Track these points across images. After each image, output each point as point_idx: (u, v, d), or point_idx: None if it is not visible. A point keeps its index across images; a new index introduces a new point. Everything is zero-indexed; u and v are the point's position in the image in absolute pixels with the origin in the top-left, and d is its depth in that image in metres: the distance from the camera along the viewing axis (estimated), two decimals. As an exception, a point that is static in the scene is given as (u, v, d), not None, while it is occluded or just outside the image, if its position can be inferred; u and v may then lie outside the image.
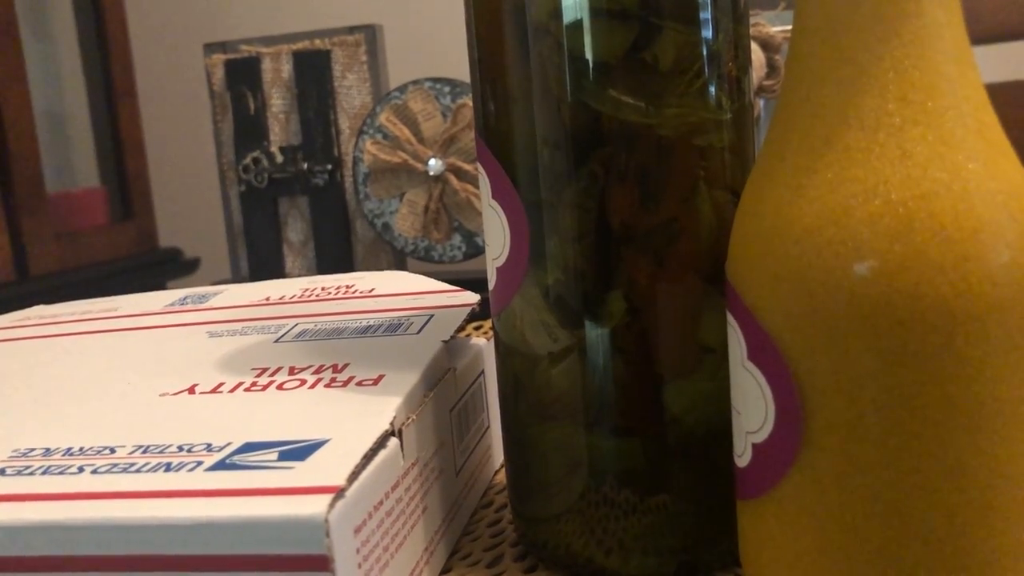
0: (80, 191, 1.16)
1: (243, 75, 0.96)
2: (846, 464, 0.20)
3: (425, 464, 0.28)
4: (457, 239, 0.88)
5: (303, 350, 0.32)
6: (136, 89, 1.20)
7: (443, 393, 0.30)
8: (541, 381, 0.28)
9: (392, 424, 0.26)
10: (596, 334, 0.26)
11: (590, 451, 0.27)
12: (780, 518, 0.22)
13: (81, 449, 0.25)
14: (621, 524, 0.27)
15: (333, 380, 0.29)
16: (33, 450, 0.26)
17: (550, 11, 0.25)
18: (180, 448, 0.25)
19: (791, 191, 0.21)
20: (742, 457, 0.23)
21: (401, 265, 0.94)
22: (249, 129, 0.96)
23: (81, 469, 0.24)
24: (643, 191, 0.25)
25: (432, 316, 0.34)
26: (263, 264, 0.98)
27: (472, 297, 0.37)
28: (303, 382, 0.29)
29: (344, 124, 0.95)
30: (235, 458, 0.24)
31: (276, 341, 0.34)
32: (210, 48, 0.98)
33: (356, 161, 0.90)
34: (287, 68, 0.95)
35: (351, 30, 0.94)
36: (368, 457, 0.24)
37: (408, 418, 0.27)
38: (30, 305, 0.48)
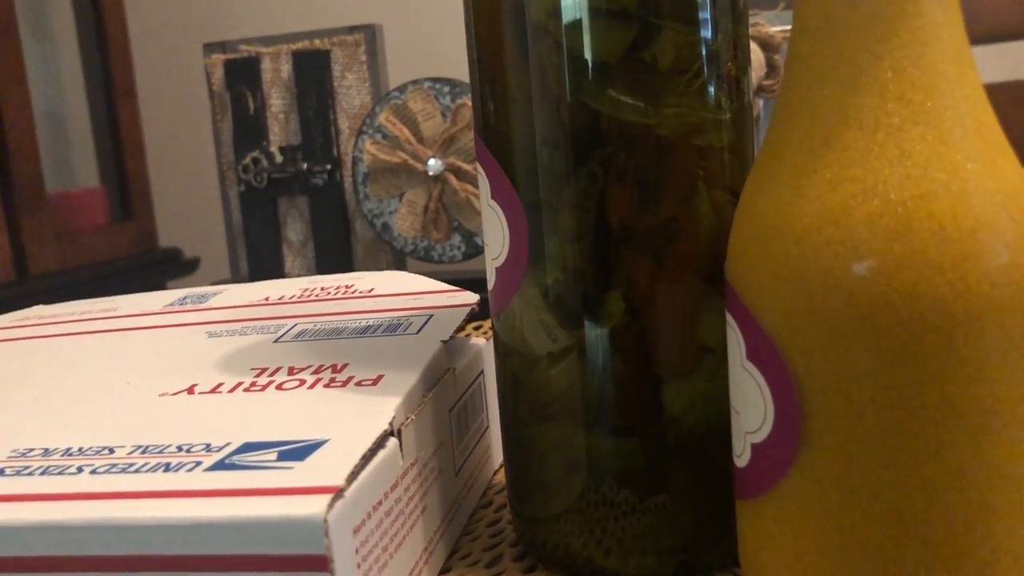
0: (80, 191, 1.16)
1: (243, 75, 0.96)
2: (845, 464, 0.20)
3: (424, 464, 0.28)
4: (456, 239, 0.88)
5: (302, 350, 0.32)
6: (136, 89, 1.20)
7: (442, 393, 0.30)
8: (540, 381, 0.28)
9: (391, 424, 0.26)
10: (595, 334, 0.26)
11: (589, 451, 0.27)
12: (779, 518, 0.22)
13: (80, 449, 0.25)
14: (620, 524, 0.27)
15: (332, 380, 0.29)
16: (32, 450, 0.26)
17: (549, 11, 0.25)
18: (179, 448, 0.25)
19: (790, 191, 0.21)
20: (741, 457, 0.23)
21: (400, 265, 0.94)
22: (249, 129, 0.96)
23: (80, 469, 0.24)
24: (642, 191, 0.25)
25: (431, 316, 0.34)
26: (262, 264, 0.98)
27: (471, 297, 0.37)
28: (302, 382, 0.29)
29: (344, 124, 0.95)
30: (234, 458, 0.24)
31: (275, 341, 0.34)
32: (210, 48, 0.98)
33: (356, 161, 0.90)
34: (287, 68, 0.95)
35: (351, 30, 0.94)
36: (367, 457, 0.24)
37: (407, 418, 0.27)
38: (30, 305, 0.48)
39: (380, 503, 0.24)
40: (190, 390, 0.30)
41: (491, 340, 0.33)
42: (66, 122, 1.21)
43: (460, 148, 0.87)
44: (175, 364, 0.33)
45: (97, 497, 0.23)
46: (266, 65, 0.96)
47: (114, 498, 0.22)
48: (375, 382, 0.28)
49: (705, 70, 0.25)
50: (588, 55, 0.25)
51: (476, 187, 0.86)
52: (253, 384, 0.29)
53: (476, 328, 0.55)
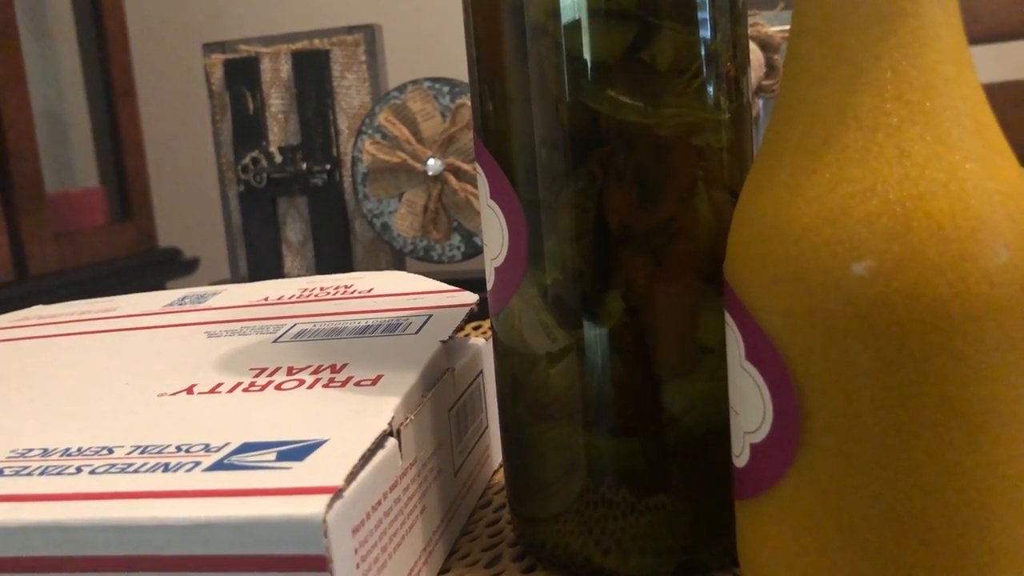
0: (79, 191, 1.16)
1: (242, 75, 0.96)
2: (844, 464, 0.20)
3: (423, 464, 0.28)
4: (456, 239, 0.88)
5: (302, 350, 0.32)
6: (135, 89, 1.20)
7: (441, 393, 0.30)
8: (539, 381, 0.28)
9: (390, 424, 0.26)
10: (594, 334, 0.26)
11: (588, 451, 0.27)
12: (778, 518, 0.22)
13: (79, 449, 0.25)
14: (619, 524, 0.27)
15: (331, 380, 0.29)
16: (31, 450, 0.26)
17: (548, 11, 0.25)
18: (178, 448, 0.25)
19: (789, 191, 0.21)
20: (740, 457, 0.23)
21: (400, 265, 0.94)
22: (248, 129, 0.96)
23: (79, 469, 0.24)
24: (641, 191, 0.25)
25: (431, 316, 0.34)
26: (262, 264, 0.98)
27: (471, 297, 0.37)
28: (301, 382, 0.29)
29: (343, 124, 0.95)
30: (233, 458, 0.24)
31: (275, 341, 0.34)
32: (209, 48, 0.98)
33: (355, 161, 0.90)
34: (286, 68, 0.95)
35: (350, 30, 0.94)
36: (366, 457, 0.24)
37: (406, 418, 0.27)
38: (29, 305, 0.48)
39: (379, 503, 0.24)
40: (189, 390, 0.30)
41: (490, 340, 0.33)
42: (66, 122, 1.21)
43: (459, 148, 0.87)
44: (174, 364, 0.33)
45: (96, 497, 0.23)
46: (265, 65, 0.96)
47: (113, 498, 0.22)
48: (374, 382, 0.28)
49: (704, 70, 0.25)
50: (587, 55, 0.25)
51: (475, 187, 0.86)
52: (252, 384, 0.29)
53: (475, 328, 0.55)
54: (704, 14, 0.25)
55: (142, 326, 0.39)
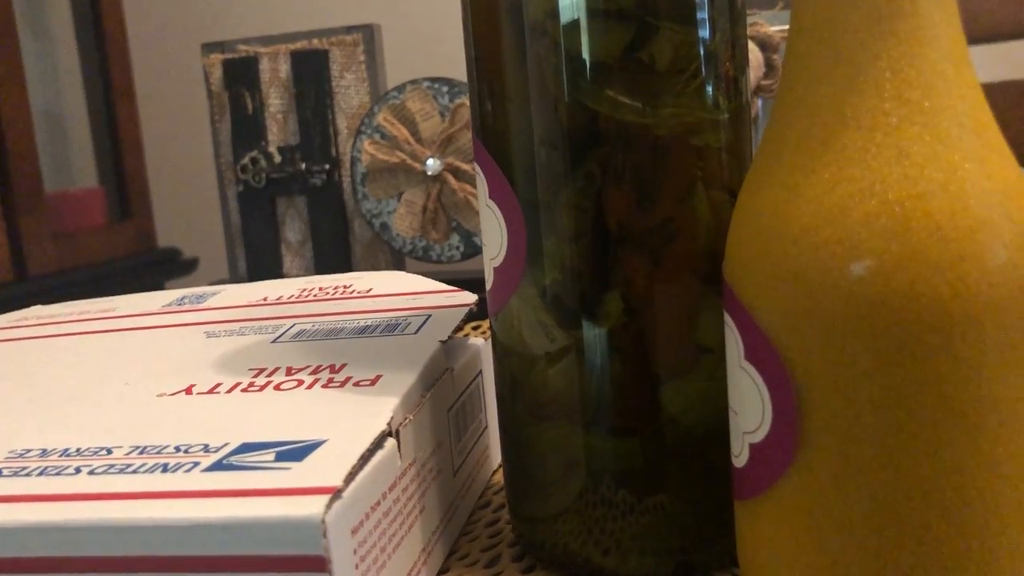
0: (78, 191, 1.16)
1: (241, 75, 0.96)
2: (843, 464, 0.20)
3: (423, 464, 0.28)
4: (455, 239, 0.88)
5: (301, 350, 0.32)
6: (134, 89, 1.19)
7: (441, 393, 0.30)
8: (538, 381, 0.27)
9: (389, 424, 0.26)
10: (593, 334, 0.26)
11: (587, 451, 0.27)
12: (777, 518, 0.22)
13: (78, 450, 0.25)
14: (619, 524, 0.27)
15: (330, 380, 0.29)
16: (30, 451, 0.26)
17: (547, 11, 0.25)
18: (177, 449, 0.25)
19: (788, 191, 0.21)
20: (739, 457, 0.23)
21: (399, 265, 0.94)
22: (247, 129, 0.96)
23: (78, 470, 0.24)
24: (640, 191, 0.25)
25: (430, 316, 0.34)
26: (261, 264, 0.98)
27: (470, 297, 0.37)
28: (300, 382, 0.29)
29: (342, 124, 0.94)
30: (232, 459, 0.24)
31: (274, 341, 0.34)
32: (208, 48, 0.98)
33: (354, 161, 0.90)
34: (285, 68, 0.95)
35: (349, 30, 0.94)
36: (365, 458, 0.24)
37: (405, 418, 0.27)
38: (28, 305, 0.48)
39: (378, 503, 0.24)
40: (188, 390, 0.30)
41: (489, 340, 0.33)
42: (64, 122, 1.21)
43: (458, 148, 0.86)
44: (173, 364, 0.33)
45: (95, 498, 0.23)
46: (264, 65, 0.96)
47: (112, 499, 0.22)
48: (373, 382, 0.28)
49: (703, 70, 0.25)
50: (586, 55, 0.25)
51: (474, 187, 0.86)
52: (251, 384, 0.29)
53: (474, 328, 0.55)
54: (703, 14, 0.25)
55: (141, 326, 0.39)
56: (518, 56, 0.26)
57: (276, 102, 0.96)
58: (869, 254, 0.19)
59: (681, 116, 0.25)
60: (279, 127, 0.96)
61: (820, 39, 0.21)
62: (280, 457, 0.24)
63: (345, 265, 0.96)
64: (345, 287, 0.41)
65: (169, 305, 0.43)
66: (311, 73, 0.94)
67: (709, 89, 0.26)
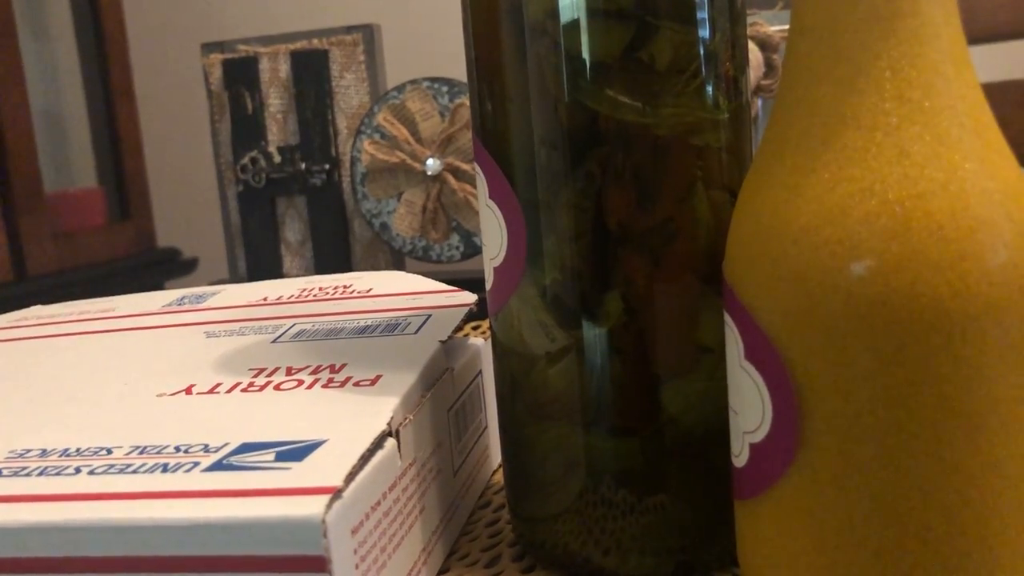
0: (78, 191, 1.16)
1: (241, 75, 0.96)
2: (843, 464, 0.20)
3: (423, 464, 0.28)
4: (455, 239, 0.88)
5: (301, 350, 0.32)
6: (134, 89, 1.19)
7: (441, 393, 0.30)
8: (538, 381, 0.27)
9: (389, 424, 0.26)
10: (593, 334, 0.26)
11: (588, 451, 0.27)
12: (777, 518, 0.22)
13: (78, 450, 0.25)
14: (619, 524, 0.27)
15: (330, 380, 0.29)
16: (30, 451, 0.26)
17: (547, 11, 0.25)
18: (177, 449, 0.25)
19: (788, 191, 0.21)
20: (739, 457, 0.23)
21: (399, 265, 0.94)
22: (247, 129, 0.96)
23: (78, 470, 0.24)
24: (640, 191, 0.25)
25: (430, 316, 0.34)
26: (261, 264, 0.98)
27: (470, 297, 0.37)
28: (300, 382, 0.29)
29: (342, 124, 0.94)
30: (232, 459, 0.24)
31: (274, 341, 0.34)
32: (208, 48, 0.98)
33: (354, 161, 0.90)
34: (285, 68, 0.95)
35: (349, 30, 0.94)
36: (365, 458, 0.24)
37: (405, 418, 0.27)
38: (28, 305, 0.48)
39: (378, 503, 0.24)
40: (188, 390, 0.30)
41: (489, 340, 0.33)
42: (64, 122, 1.21)
43: (458, 148, 0.86)
44: (173, 364, 0.33)
45: (95, 498, 0.23)
46: (264, 65, 0.95)
47: (112, 499, 0.22)
48: (373, 382, 0.28)
49: (703, 70, 0.25)
50: (586, 55, 0.25)
51: (474, 187, 0.86)
52: (251, 384, 0.29)
53: (474, 328, 0.55)
54: (703, 14, 0.25)
55: (141, 326, 0.39)
56: (518, 56, 0.26)
57: (276, 102, 0.96)
58: (869, 254, 0.19)
59: (681, 116, 0.25)
60: (279, 127, 0.96)
61: (820, 39, 0.21)
62: (280, 457, 0.24)
63: (345, 265, 0.96)
64: (345, 287, 0.41)
65: (169, 305, 0.43)
66: (311, 73, 0.94)
67: (709, 89, 0.26)
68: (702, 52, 0.25)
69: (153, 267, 1.16)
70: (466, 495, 0.33)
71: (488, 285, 0.29)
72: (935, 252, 0.19)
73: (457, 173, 0.87)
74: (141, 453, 0.25)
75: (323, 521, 0.21)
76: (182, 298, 0.44)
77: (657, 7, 0.25)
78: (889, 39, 0.20)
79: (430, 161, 0.86)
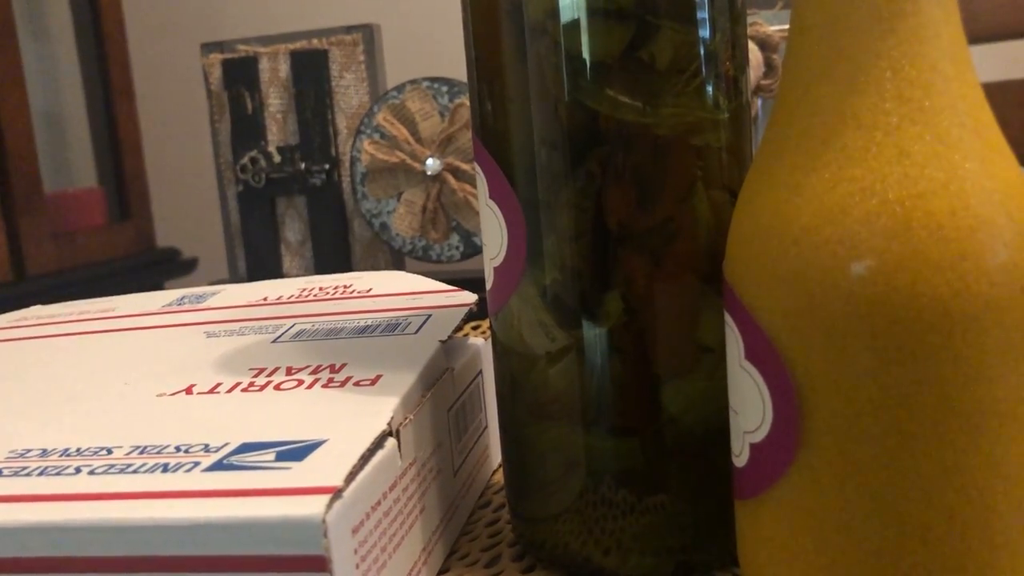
0: (77, 191, 1.16)
1: (240, 75, 0.96)
2: (844, 464, 0.20)
3: (423, 464, 0.28)
4: (455, 239, 0.88)
5: (301, 350, 0.32)
6: (133, 89, 1.19)
7: (441, 393, 0.30)
8: (538, 381, 0.27)
9: (390, 424, 0.26)
10: (593, 334, 0.26)
11: (588, 451, 0.27)
12: (778, 518, 0.22)
13: (78, 450, 0.25)
14: (619, 524, 0.27)
15: (331, 380, 0.29)
16: (30, 451, 0.26)
17: (547, 10, 0.25)
18: (177, 449, 0.25)
19: (789, 190, 0.21)
20: (740, 457, 0.23)
21: (399, 265, 0.94)
22: (247, 129, 0.96)
23: (78, 470, 0.24)
24: (640, 191, 0.25)
25: (430, 316, 0.34)
26: (261, 264, 0.98)
27: (470, 297, 0.37)
28: (301, 382, 0.29)
29: (342, 124, 0.94)
30: (232, 459, 0.24)
31: (274, 341, 0.34)
32: (207, 48, 0.98)
33: (354, 161, 0.90)
34: (284, 68, 0.95)
35: (348, 30, 0.94)
36: (366, 457, 0.24)
37: (406, 418, 0.27)
38: (27, 305, 0.48)
39: (379, 503, 0.24)
40: (188, 390, 0.30)
41: (489, 340, 0.33)
42: (64, 122, 1.21)
43: (458, 148, 0.86)
44: (173, 364, 0.33)
45: (95, 498, 0.23)
46: (264, 65, 0.95)
47: (112, 499, 0.22)
48: (373, 382, 0.28)
49: (703, 69, 0.25)
50: (586, 54, 0.25)
51: (474, 187, 0.86)
52: (251, 384, 0.29)
53: (474, 328, 0.55)
54: (703, 13, 0.25)
55: (141, 326, 0.39)
56: (518, 56, 0.26)
57: (276, 102, 0.96)
58: (870, 253, 0.19)
59: (681, 116, 0.25)
60: (279, 127, 0.96)
61: (821, 38, 0.21)
62: (280, 457, 0.24)
63: (345, 265, 0.96)
64: (345, 287, 0.41)
65: (169, 305, 0.43)
66: (311, 73, 0.94)
67: (709, 89, 0.26)
68: (702, 52, 0.25)
69: (153, 267, 1.16)
70: (466, 495, 0.33)
71: (488, 285, 0.29)
72: (935, 252, 0.19)
73: (457, 173, 0.87)
74: (141, 453, 0.25)
75: (324, 521, 0.21)
76: (182, 298, 0.44)
77: (657, 7, 0.25)
78: (889, 38, 0.20)
79: (430, 161, 0.86)
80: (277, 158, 0.95)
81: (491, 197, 0.28)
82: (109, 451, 0.25)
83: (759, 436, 0.22)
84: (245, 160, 0.96)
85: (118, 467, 0.24)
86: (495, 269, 0.28)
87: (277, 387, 0.29)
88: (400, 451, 0.26)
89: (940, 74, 0.20)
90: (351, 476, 0.23)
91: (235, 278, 1.00)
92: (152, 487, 0.23)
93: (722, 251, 0.24)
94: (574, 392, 0.27)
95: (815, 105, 0.21)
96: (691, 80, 0.25)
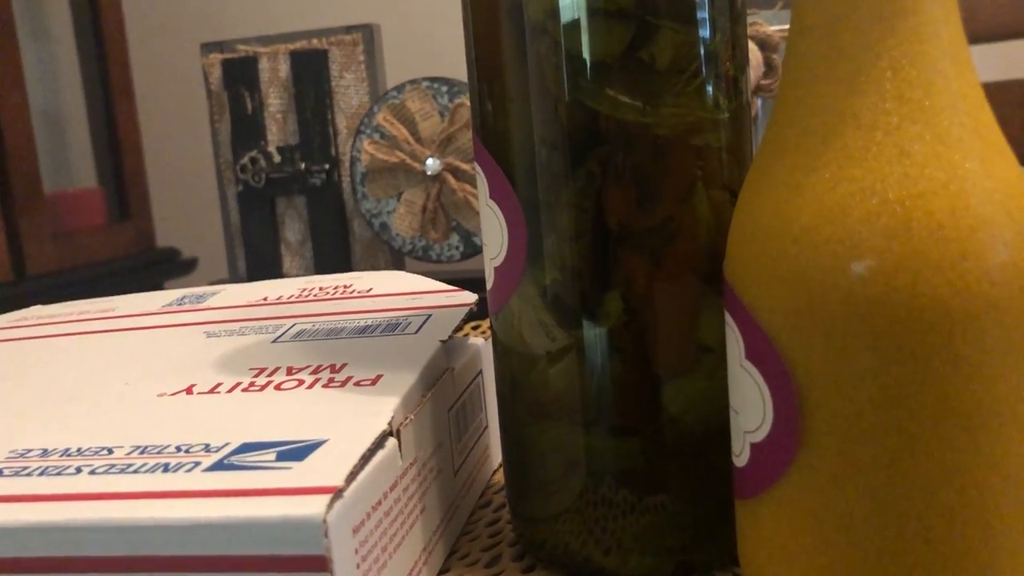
0: (77, 191, 1.16)
1: (240, 75, 0.96)
2: (844, 464, 0.20)
3: (423, 464, 0.28)
4: (455, 239, 0.88)
5: (301, 350, 0.32)
6: (133, 89, 1.19)
7: (441, 393, 0.30)
8: (539, 381, 0.27)
9: (390, 424, 0.26)
10: (594, 334, 0.26)
11: (588, 451, 0.27)
12: (778, 517, 0.22)
13: (79, 450, 0.25)
14: (619, 524, 0.27)
15: (331, 380, 0.29)
16: (31, 451, 0.26)
17: (547, 10, 0.25)
18: (178, 449, 0.25)
19: (789, 190, 0.21)
20: (740, 457, 0.23)
21: (399, 265, 0.94)
22: (246, 129, 0.96)
23: (79, 470, 0.24)
24: (640, 191, 0.25)
25: (430, 316, 0.34)
26: (261, 264, 0.98)
27: (470, 297, 0.37)
28: (301, 382, 0.29)
29: (341, 124, 0.94)
30: (233, 458, 0.24)
31: (274, 341, 0.34)
32: (207, 48, 0.98)
33: (353, 161, 0.90)
34: (284, 68, 0.95)
35: (348, 29, 0.94)
36: (366, 457, 0.24)
37: (406, 418, 0.27)
38: (27, 305, 0.48)
39: (379, 503, 0.24)
40: (189, 390, 0.30)
41: (489, 340, 0.33)
42: (64, 122, 1.21)
43: (458, 148, 0.86)
44: (173, 364, 0.33)
45: (96, 498, 0.23)
46: (264, 65, 0.95)
47: (113, 499, 0.22)
48: (374, 382, 0.28)
49: (703, 69, 0.25)
50: (586, 54, 0.25)
51: (474, 187, 0.86)
52: (252, 384, 0.29)
53: (474, 328, 0.55)
54: (703, 13, 0.25)
55: (141, 326, 0.39)
56: (518, 56, 0.26)
57: (275, 102, 0.96)
58: (870, 253, 0.19)
59: (681, 116, 0.25)
60: (278, 127, 0.96)
61: (821, 38, 0.21)
62: (281, 457, 0.24)
63: (345, 265, 0.96)
64: (345, 287, 0.41)
65: (169, 305, 0.43)
66: (310, 73, 0.94)
67: (709, 89, 0.26)
68: (702, 52, 0.25)
69: (153, 267, 1.16)
70: (467, 495, 0.33)
71: (488, 285, 0.29)
72: (936, 251, 0.19)
73: (457, 173, 0.87)
74: (142, 453, 0.25)
75: (324, 521, 0.21)
76: (182, 298, 0.44)
77: (657, 7, 0.25)
78: (890, 38, 0.20)
79: (430, 161, 0.86)
80: (277, 158, 0.95)
81: (491, 197, 0.28)
82: (110, 451, 0.25)
83: (759, 436, 0.22)
84: (245, 160, 0.96)
85: (119, 467, 0.24)
86: (495, 269, 0.28)
87: (278, 387, 0.29)
88: (401, 451, 0.26)
89: (940, 74, 0.20)
90: (352, 476, 0.23)
91: (235, 278, 1.00)
92: (153, 487, 0.23)
93: (722, 251, 0.24)
94: (574, 392, 0.27)
95: (815, 105, 0.21)
96: (691, 80, 0.25)
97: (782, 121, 0.22)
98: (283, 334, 0.35)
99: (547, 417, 0.28)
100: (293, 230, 0.97)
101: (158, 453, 0.25)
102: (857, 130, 0.20)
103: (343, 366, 0.30)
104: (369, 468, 0.24)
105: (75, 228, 1.08)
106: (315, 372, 0.30)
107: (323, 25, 0.98)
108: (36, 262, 1.00)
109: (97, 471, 0.24)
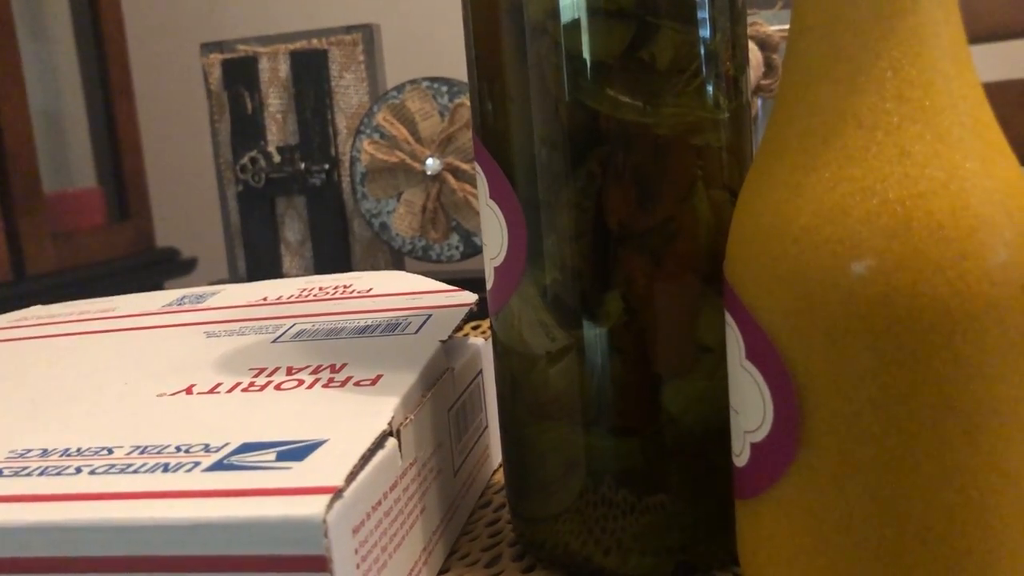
0: (77, 191, 1.16)
1: (240, 75, 0.96)
2: (844, 463, 0.20)
3: (423, 464, 0.28)
4: (455, 239, 0.88)
5: (301, 350, 0.32)
6: (133, 88, 1.19)
7: (441, 393, 0.30)
8: (539, 381, 0.27)
9: (390, 424, 0.26)
10: (594, 334, 0.26)
11: (588, 451, 0.27)
12: (778, 517, 0.22)
13: (79, 450, 0.25)
14: (619, 524, 0.27)
15: (331, 380, 0.29)
16: (30, 451, 0.26)
17: (548, 10, 0.25)
18: (178, 449, 0.25)
19: (789, 190, 0.21)
20: (740, 456, 0.23)
21: (399, 265, 0.94)
22: (246, 129, 0.96)
23: (79, 470, 0.24)
24: (640, 191, 0.25)
25: (430, 316, 0.34)
26: (260, 264, 0.98)
27: (470, 297, 0.37)
28: (301, 382, 0.29)
29: (341, 124, 0.94)
30: (233, 458, 0.24)
31: (274, 341, 0.34)
32: (207, 48, 0.98)
33: (353, 161, 0.90)
34: (284, 68, 0.95)
35: (348, 29, 0.94)
36: (366, 457, 0.24)
37: (406, 418, 0.27)
38: (27, 305, 0.48)
39: (379, 503, 0.24)
40: (188, 390, 0.30)
41: (489, 340, 0.33)
42: (63, 122, 1.21)
43: (458, 148, 0.86)
44: (173, 364, 0.33)
45: (96, 498, 0.23)
46: (264, 65, 0.95)
47: (113, 499, 0.22)
48: (374, 382, 0.28)
49: (703, 69, 0.25)
50: (586, 54, 0.25)
51: (474, 187, 0.86)
52: (252, 384, 0.29)
53: (474, 328, 0.55)
54: (703, 13, 0.25)
55: (141, 326, 0.39)
56: (518, 56, 0.26)
57: (275, 102, 0.96)
58: (870, 253, 0.19)
59: (682, 115, 0.25)
60: (278, 127, 0.96)
61: (821, 38, 0.21)
62: (281, 457, 0.24)
63: (345, 265, 0.95)
64: (345, 287, 0.41)
65: (169, 305, 0.43)
66: (310, 73, 0.94)
67: (710, 88, 0.26)
68: (702, 52, 0.25)
69: (152, 267, 1.16)
70: (466, 495, 0.33)
71: (488, 285, 0.29)
72: (936, 251, 0.19)
73: (457, 173, 0.87)
74: (142, 453, 0.25)
75: (324, 521, 0.21)
76: (182, 298, 0.44)
77: (658, 7, 0.25)
78: (890, 38, 0.20)
79: (430, 161, 0.86)
80: (277, 158, 0.95)
81: (491, 197, 0.28)
82: (109, 451, 0.25)
83: (759, 436, 0.22)
84: (245, 160, 0.96)
85: (118, 467, 0.24)
86: (495, 269, 0.28)
87: (277, 387, 0.29)
88: (400, 451, 0.26)
89: (940, 73, 0.20)
90: (352, 476, 0.23)
91: (235, 278, 1.00)
92: (152, 487, 0.23)
93: (722, 251, 0.24)
94: (574, 392, 0.27)
95: (815, 105, 0.21)
96: (691, 80, 0.25)
97: (782, 121, 0.22)
98: (283, 334, 0.35)
99: (547, 417, 0.28)
100: (293, 230, 0.97)
101: (158, 453, 0.25)
102: (857, 130, 0.20)
103: (343, 366, 0.30)
104: (369, 468, 0.24)
105: (75, 228, 1.08)
106: (315, 372, 0.30)
107: (323, 25, 0.98)
108: (36, 262, 1.00)
109: (97, 471, 0.24)
